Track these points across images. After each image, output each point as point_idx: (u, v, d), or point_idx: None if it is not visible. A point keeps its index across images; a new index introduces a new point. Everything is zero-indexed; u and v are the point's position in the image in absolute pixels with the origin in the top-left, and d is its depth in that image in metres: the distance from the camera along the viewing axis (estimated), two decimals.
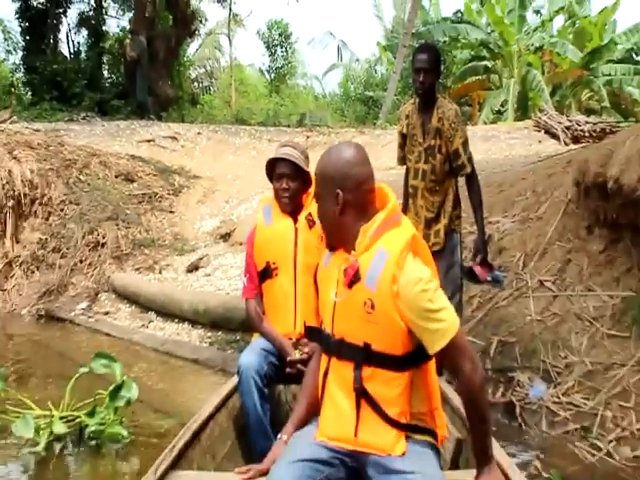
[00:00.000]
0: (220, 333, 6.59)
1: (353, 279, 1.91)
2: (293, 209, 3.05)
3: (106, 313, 7.69)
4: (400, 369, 1.92)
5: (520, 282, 5.47)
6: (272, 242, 3.04)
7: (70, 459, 3.90)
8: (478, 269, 3.94)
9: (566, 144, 11.29)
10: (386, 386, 1.92)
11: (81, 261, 8.54)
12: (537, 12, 23.42)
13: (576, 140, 11.47)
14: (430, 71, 3.81)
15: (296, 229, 3.03)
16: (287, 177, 2.99)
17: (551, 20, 22.35)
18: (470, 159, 3.90)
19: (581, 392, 4.29)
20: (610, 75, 20.15)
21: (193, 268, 8.32)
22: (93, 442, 4.00)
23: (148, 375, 5.58)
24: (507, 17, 20.75)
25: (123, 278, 8.13)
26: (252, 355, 2.84)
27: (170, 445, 2.29)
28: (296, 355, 2.90)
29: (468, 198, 4.06)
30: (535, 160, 8.62)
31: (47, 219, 9.06)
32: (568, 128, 11.92)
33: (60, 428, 3.93)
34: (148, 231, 9.25)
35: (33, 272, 8.56)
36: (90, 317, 7.64)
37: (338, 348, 1.98)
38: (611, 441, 3.84)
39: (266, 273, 3.04)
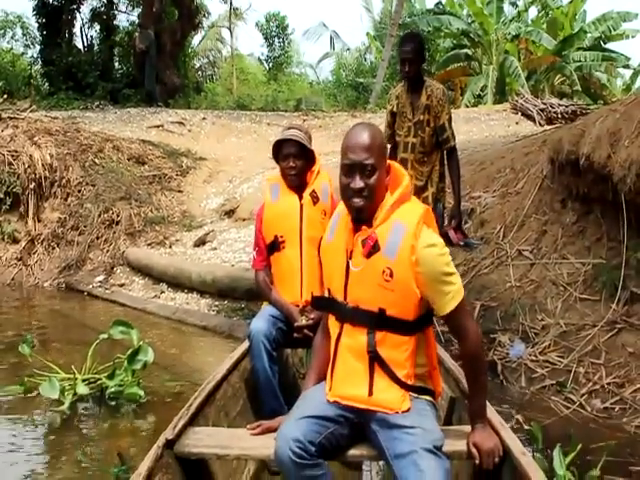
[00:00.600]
0: (226, 301, 6.57)
1: (372, 249, 1.90)
2: (298, 185, 3.04)
3: (121, 285, 7.67)
4: (409, 333, 1.93)
5: (500, 251, 5.46)
6: (279, 217, 3.03)
7: (92, 418, 3.90)
8: (452, 233, 3.96)
9: (541, 125, 11.18)
10: (396, 350, 1.93)
11: (97, 238, 8.49)
12: (513, 4, 23.01)
13: (550, 121, 11.35)
14: (414, 60, 3.86)
15: (301, 205, 3.03)
16: (293, 156, 2.98)
17: (526, 11, 22.10)
18: (453, 134, 3.98)
19: (556, 351, 4.31)
20: (580, 61, 19.95)
21: (200, 242, 8.28)
22: (113, 402, 4.00)
23: (161, 341, 5.56)
24: (486, 8, 20.51)
25: (136, 252, 8.09)
26: (262, 321, 2.84)
27: (187, 404, 2.29)
28: (302, 321, 2.90)
29: (448, 170, 4.08)
30: (513, 140, 8.55)
31: (66, 199, 8.96)
32: (543, 110, 11.79)
33: (83, 389, 3.93)
34: (158, 209, 9.17)
35: (54, 248, 8.50)
36: (107, 289, 7.61)
37: (352, 315, 1.96)
38: (583, 395, 3.87)
39: (274, 246, 3.03)
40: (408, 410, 1.90)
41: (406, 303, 1.90)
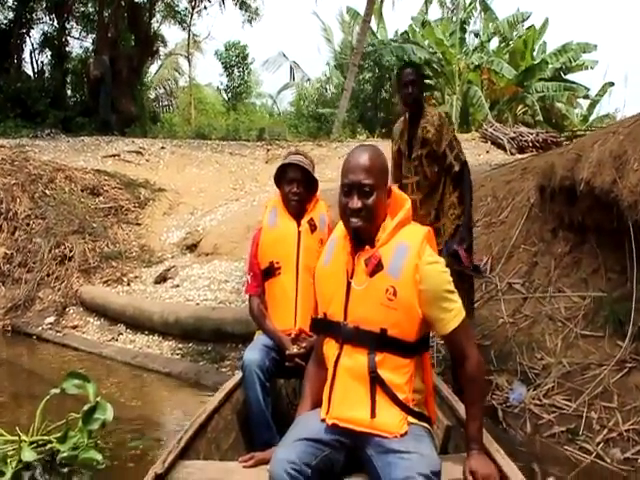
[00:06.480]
0: (191, 344, 6.17)
1: (375, 268, 1.94)
2: (298, 212, 3.08)
3: (74, 327, 7.19)
4: (409, 355, 1.96)
5: (489, 285, 5.23)
6: (276, 243, 3.07)
7: None
8: (462, 253, 3.74)
9: (512, 154, 11.21)
10: (396, 373, 1.95)
11: (48, 275, 8.01)
12: (476, 35, 23.55)
13: (521, 150, 11.40)
14: (416, 82, 3.87)
15: (299, 232, 3.07)
16: (297, 182, 3.04)
17: (489, 41, 22.57)
18: (458, 156, 3.85)
19: (562, 393, 4.03)
20: (543, 92, 20.46)
21: (161, 279, 7.87)
22: (65, 469, 3.49)
23: (120, 391, 5.10)
24: (449, 39, 20.90)
25: (91, 291, 7.63)
26: (255, 351, 2.86)
27: (177, 437, 2.29)
28: (294, 349, 2.91)
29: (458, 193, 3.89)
30: (488, 168, 8.44)
31: (13, 234, 8.50)
32: (513, 139, 11.83)
33: (29, 455, 3.38)
34: (115, 243, 8.79)
35: None
36: (58, 331, 7.11)
37: (353, 335, 1.98)
38: (599, 443, 3.57)
39: (269, 272, 3.06)
40: (405, 434, 1.91)
41: (408, 323, 1.94)
